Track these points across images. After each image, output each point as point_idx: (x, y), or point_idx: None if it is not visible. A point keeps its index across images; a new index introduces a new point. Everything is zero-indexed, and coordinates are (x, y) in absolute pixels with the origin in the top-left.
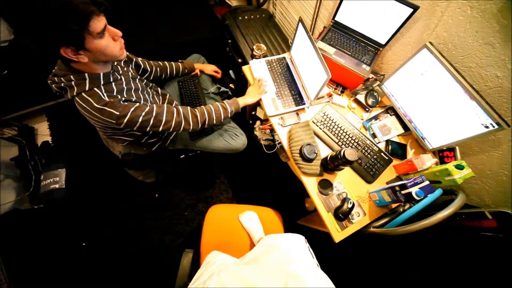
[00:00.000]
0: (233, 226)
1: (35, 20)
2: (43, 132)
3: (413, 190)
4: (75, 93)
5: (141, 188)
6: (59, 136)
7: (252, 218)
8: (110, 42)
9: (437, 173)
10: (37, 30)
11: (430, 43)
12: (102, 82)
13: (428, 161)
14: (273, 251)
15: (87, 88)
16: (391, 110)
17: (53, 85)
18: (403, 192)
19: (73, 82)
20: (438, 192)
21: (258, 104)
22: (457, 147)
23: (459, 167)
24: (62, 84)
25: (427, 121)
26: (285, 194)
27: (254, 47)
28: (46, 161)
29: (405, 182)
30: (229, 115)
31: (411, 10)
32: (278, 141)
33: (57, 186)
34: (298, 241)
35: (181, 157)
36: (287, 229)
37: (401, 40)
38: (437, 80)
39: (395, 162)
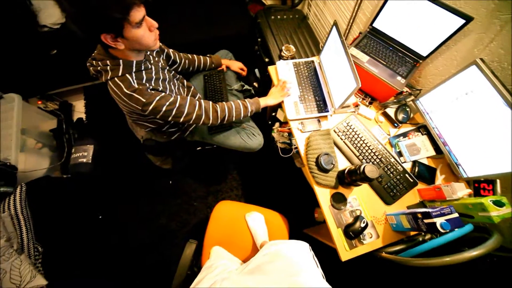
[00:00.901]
0: (239, 224)
1: (83, 6)
2: (79, 109)
3: (438, 221)
4: (108, 77)
5: (157, 173)
6: (92, 115)
7: (258, 219)
8: (146, 32)
9: (470, 206)
10: (84, 16)
11: (482, 60)
12: (134, 69)
13: (460, 191)
14: (277, 260)
15: (120, 74)
16: (423, 129)
17: (91, 68)
18: (425, 221)
19: (108, 67)
20: (468, 227)
21: (279, 105)
22: (497, 180)
23: (498, 204)
24: (99, 68)
25: (465, 146)
26: (295, 200)
27: (283, 47)
28: (79, 136)
29: (430, 210)
30: (249, 114)
31: (463, 21)
32: (295, 145)
33: (84, 160)
34: (303, 249)
35: (198, 148)
36: (292, 236)
37: (446, 54)
38: (484, 102)
39: (421, 186)
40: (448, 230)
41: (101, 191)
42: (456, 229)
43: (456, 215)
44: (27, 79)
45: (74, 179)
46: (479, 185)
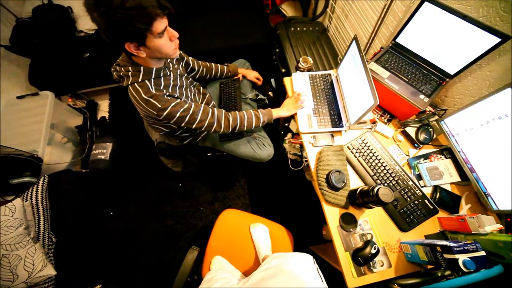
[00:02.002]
0: (242, 234)
1: (110, 17)
2: (104, 108)
3: (461, 258)
4: (129, 82)
5: (168, 175)
6: (115, 115)
7: (262, 232)
8: (167, 42)
9: (500, 244)
10: (110, 26)
11: None
12: (153, 76)
13: (488, 225)
14: (279, 274)
15: (139, 80)
16: (447, 152)
17: (114, 73)
18: (446, 256)
19: (130, 73)
20: (497, 269)
21: (292, 116)
22: None
23: None
24: (121, 73)
25: (496, 174)
26: (302, 214)
27: (301, 59)
28: (100, 133)
29: (452, 244)
30: (261, 125)
31: (498, 40)
32: (305, 158)
33: (103, 157)
34: (307, 263)
35: (208, 154)
36: (296, 251)
37: (477, 73)
38: None
39: (442, 214)
40: (472, 270)
41: (115, 188)
42: (482, 270)
43: (482, 253)
44: (61, 79)
45: (92, 174)
46: (511, 220)
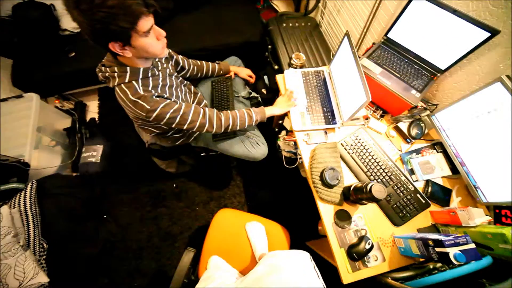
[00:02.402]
0: (238, 233)
1: (92, 16)
2: (93, 109)
3: (452, 252)
4: (116, 83)
5: (162, 176)
6: (104, 116)
7: (259, 230)
8: (154, 41)
9: (489, 236)
10: (92, 25)
11: (508, 76)
12: (140, 76)
13: (478, 218)
14: (276, 272)
15: (126, 80)
16: (439, 146)
17: (100, 74)
18: (437, 249)
19: (116, 74)
20: (486, 261)
21: (286, 114)
22: None
23: None
24: (107, 74)
25: (486, 168)
26: (298, 210)
27: (293, 55)
28: (90, 135)
29: (443, 238)
30: (254, 124)
31: (488, 34)
32: (300, 156)
33: (93, 160)
34: (303, 259)
35: (202, 154)
36: (293, 248)
37: (467, 68)
38: (509, 122)
39: (434, 207)
40: (463, 263)
41: (107, 191)
42: (472, 262)
43: (472, 245)
44: (47, 80)
45: (83, 177)
46: (500, 211)
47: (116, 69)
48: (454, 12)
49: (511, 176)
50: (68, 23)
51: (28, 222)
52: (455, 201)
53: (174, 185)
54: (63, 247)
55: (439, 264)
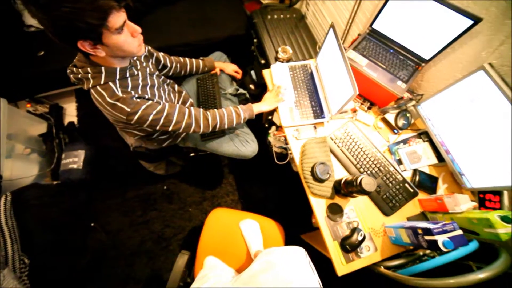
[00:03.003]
0: (233, 232)
1: (53, 11)
2: (71, 112)
3: (440, 239)
4: (90, 86)
5: (151, 179)
6: (85, 118)
7: (253, 227)
8: (128, 38)
9: (475, 221)
10: (54, 22)
11: (490, 64)
12: (117, 77)
13: (464, 204)
14: (272, 268)
15: (102, 82)
16: (424, 135)
17: (71, 75)
18: (426, 238)
19: (89, 75)
20: (472, 245)
21: (276, 109)
22: (505, 192)
23: (506, 220)
24: (79, 76)
25: (470, 155)
26: (291, 204)
27: (279, 49)
28: (70, 140)
29: (431, 226)
30: (242, 121)
31: (471, 22)
32: (290, 151)
33: (75, 166)
34: (298, 255)
35: (191, 155)
36: (288, 242)
37: (450, 56)
38: (492, 110)
39: (422, 195)
40: (451, 249)
41: (93, 198)
42: (460, 248)
43: (459, 232)
44: (13, 82)
45: (65, 185)
46: (484, 196)
47: (89, 69)
48: (438, 0)
49: (493, 161)
50: (33, 19)
51: (4, 238)
52: (441, 188)
53: (165, 187)
54: (48, 260)
55: (428, 251)
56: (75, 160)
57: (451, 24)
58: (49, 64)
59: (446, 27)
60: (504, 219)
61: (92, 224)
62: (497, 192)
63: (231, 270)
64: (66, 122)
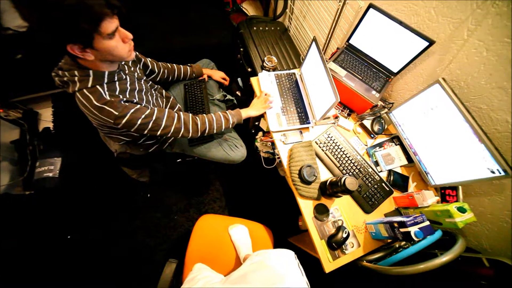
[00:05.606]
0: (222, 238)
1: (46, 15)
2: (46, 118)
3: (412, 230)
4: (76, 89)
5: (134, 186)
6: (61, 124)
7: (242, 232)
8: (119, 43)
9: (439, 213)
10: (47, 24)
11: (443, 79)
12: (105, 81)
13: (430, 199)
14: (261, 269)
15: (89, 85)
16: (396, 139)
17: (56, 78)
18: (401, 230)
19: (76, 78)
20: (437, 234)
21: (262, 115)
22: (460, 187)
23: (461, 210)
24: (65, 78)
25: (432, 156)
26: (279, 208)
27: (265, 58)
28: (45, 147)
29: (405, 220)
30: (230, 126)
31: (427, 43)
32: (278, 155)
33: (50, 174)
34: (288, 258)
35: (178, 160)
36: (277, 246)
37: (413, 71)
38: (447, 117)
39: (396, 193)
40: (421, 238)
41: (70, 208)
42: (428, 237)
43: (427, 223)
44: None
45: (39, 195)
46: (444, 191)
47: (76, 72)
48: (401, 23)
49: (450, 161)
50: (12, 21)
51: None
52: (411, 186)
53: (148, 194)
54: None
55: (403, 243)
56: (50, 168)
57: (412, 44)
58: (27, 67)
59: (408, 46)
60: (460, 209)
61: (69, 237)
62: (454, 187)
63: (221, 276)
64: (41, 128)
